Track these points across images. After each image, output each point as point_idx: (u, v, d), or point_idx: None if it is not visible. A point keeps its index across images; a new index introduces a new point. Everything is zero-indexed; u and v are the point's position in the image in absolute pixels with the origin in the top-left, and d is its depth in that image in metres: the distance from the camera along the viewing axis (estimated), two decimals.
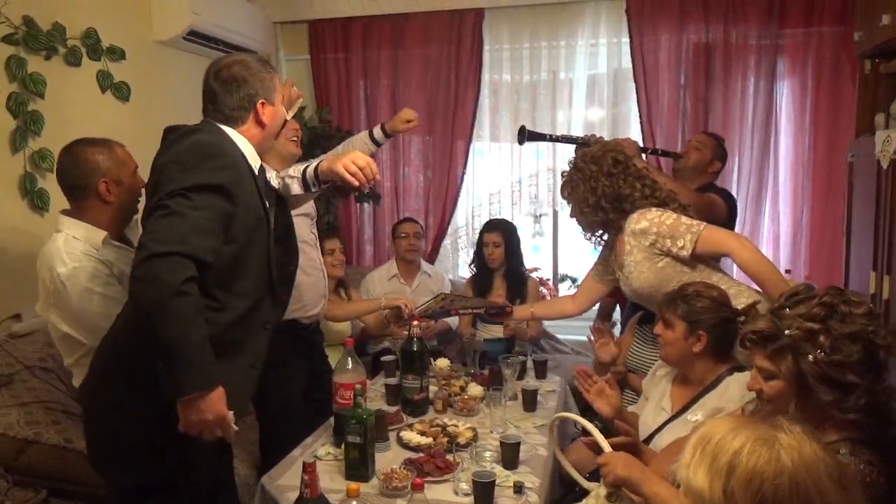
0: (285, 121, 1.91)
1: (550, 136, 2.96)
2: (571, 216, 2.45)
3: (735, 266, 2.40)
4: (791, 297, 1.42)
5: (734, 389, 1.85)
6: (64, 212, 1.95)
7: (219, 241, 1.59)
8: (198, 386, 1.49)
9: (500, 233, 3.51)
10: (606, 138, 3.68)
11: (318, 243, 2.80)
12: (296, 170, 2.07)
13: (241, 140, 1.77)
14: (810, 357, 1.32)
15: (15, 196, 2.52)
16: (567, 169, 2.42)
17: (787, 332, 1.36)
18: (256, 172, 1.79)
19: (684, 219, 2.19)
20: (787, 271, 3.63)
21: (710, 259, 2.26)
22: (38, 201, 2.56)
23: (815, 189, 3.67)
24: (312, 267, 2.70)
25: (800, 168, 3.71)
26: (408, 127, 3.01)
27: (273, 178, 1.91)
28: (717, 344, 1.94)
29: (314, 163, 2.01)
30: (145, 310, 1.48)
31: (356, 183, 1.88)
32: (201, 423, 1.52)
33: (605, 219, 2.31)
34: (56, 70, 2.66)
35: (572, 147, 2.86)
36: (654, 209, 2.23)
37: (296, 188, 2.06)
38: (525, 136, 2.87)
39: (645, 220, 2.21)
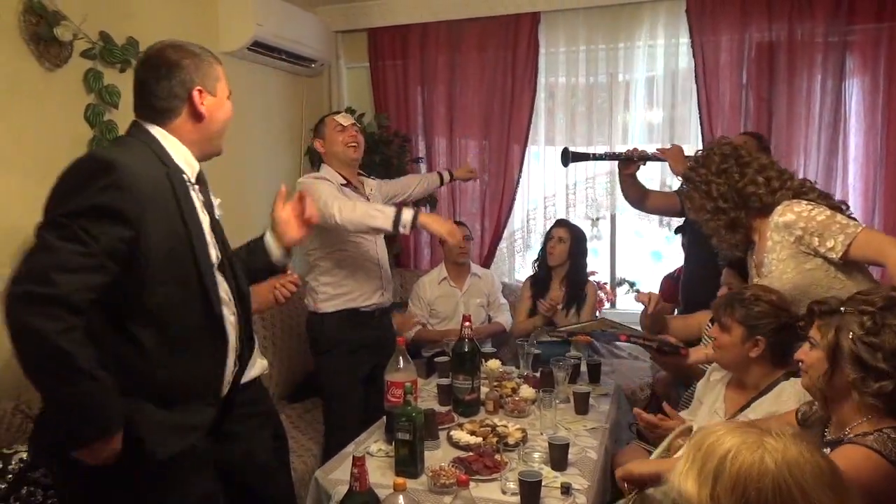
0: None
1: (594, 154, 2.93)
2: (708, 235, 2.17)
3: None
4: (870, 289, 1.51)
5: (789, 394, 1.81)
6: None
7: (107, 276, 1.35)
8: (93, 434, 1.36)
9: (568, 230, 3.53)
10: (665, 141, 3.66)
11: (377, 240, 2.90)
12: (384, 206, 2.46)
13: (172, 142, 1.56)
14: (850, 334, 1.38)
15: None
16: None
17: (842, 308, 1.42)
18: (193, 180, 1.57)
19: (839, 217, 1.93)
20: None
21: (863, 266, 2.00)
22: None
23: (888, 191, 3.51)
24: (366, 259, 2.81)
25: (870, 169, 3.55)
26: (470, 177, 3.62)
27: (217, 204, 1.70)
28: (775, 349, 1.89)
29: (408, 212, 2.42)
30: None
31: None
32: (92, 460, 1.40)
33: (730, 219, 2.05)
34: (130, 82, 2.77)
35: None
36: (803, 202, 1.99)
37: (382, 224, 2.43)
38: (570, 158, 2.85)
39: (791, 213, 1.95)
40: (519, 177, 4.07)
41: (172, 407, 1.48)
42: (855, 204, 3.60)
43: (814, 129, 3.59)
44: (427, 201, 4.22)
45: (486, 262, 4.13)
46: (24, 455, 1.98)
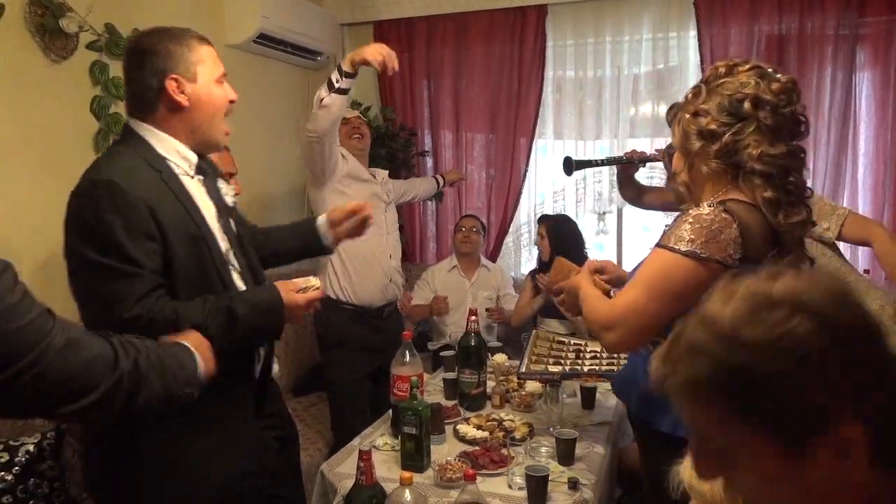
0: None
1: (596, 161, 2.91)
2: None
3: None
4: None
5: None
6: None
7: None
8: (271, 320, 1.50)
9: (545, 224, 3.54)
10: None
11: (388, 229, 2.90)
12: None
13: (161, 138, 1.48)
14: (686, 114, 1.46)
15: None
16: None
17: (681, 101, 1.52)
18: (192, 172, 1.52)
19: (827, 200, 2.06)
20: (866, 271, 3.46)
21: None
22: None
23: None
24: (373, 254, 2.81)
25: (881, 164, 3.52)
26: (458, 179, 3.89)
27: (226, 191, 1.66)
28: None
29: (334, 73, 2.39)
30: None
31: (378, 62, 2.20)
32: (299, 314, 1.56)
33: None
34: None
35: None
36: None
37: (323, 93, 2.31)
38: (573, 167, 2.81)
39: None
40: (525, 170, 4.05)
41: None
42: (864, 199, 3.58)
43: (823, 123, 3.56)
44: (434, 195, 4.21)
45: (493, 255, 4.12)
46: (31, 447, 1.98)
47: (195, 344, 1.29)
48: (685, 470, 0.90)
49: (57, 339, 0.92)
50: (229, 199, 1.65)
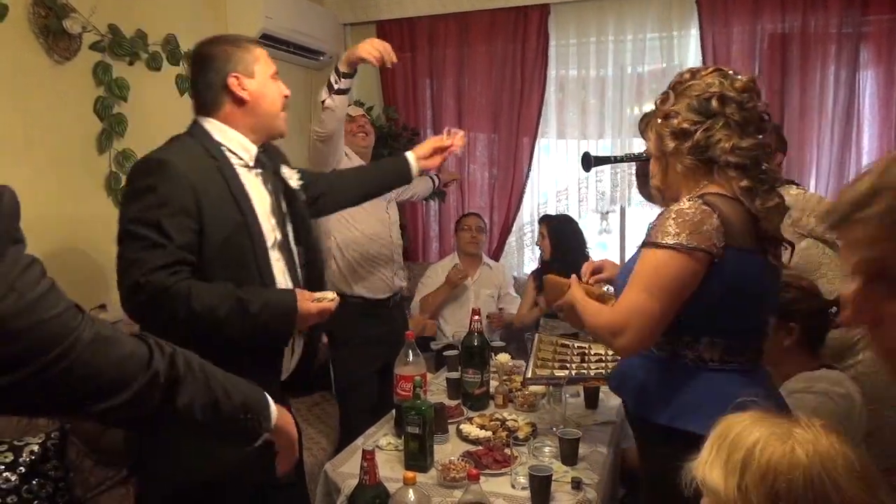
0: (285, 96, 1.73)
1: (615, 157, 2.91)
2: None
3: None
4: None
5: (822, 384, 1.79)
6: None
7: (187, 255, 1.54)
8: (282, 323, 1.57)
9: (547, 224, 3.56)
10: None
11: (392, 222, 2.92)
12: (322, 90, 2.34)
13: (224, 131, 1.65)
14: (658, 119, 1.52)
15: (101, 193, 2.68)
16: None
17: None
18: (251, 163, 1.67)
19: (827, 199, 2.05)
20: None
21: None
22: (121, 198, 2.71)
23: None
24: (376, 249, 2.82)
25: None
26: (452, 179, 3.81)
27: (289, 175, 1.78)
28: (809, 336, 1.87)
29: (332, 74, 2.32)
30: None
31: (374, 58, 2.19)
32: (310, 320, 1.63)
33: None
34: (138, 75, 2.81)
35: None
36: (794, 187, 2.09)
37: (324, 96, 2.30)
38: (591, 163, 2.81)
39: (788, 196, 1.95)
40: (528, 170, 4.06)
41: None
42: None
43: (827, 121, 3.56)
44: (436, 193, 4.21)
45: (496, 255, 4.12)
46: (36, 448, 1.99)
47: (277, 407, 1.18)
48: (699, 466, 0.89)
49: (85, 335, 0.88)
50: (294, 183, 1.75)
